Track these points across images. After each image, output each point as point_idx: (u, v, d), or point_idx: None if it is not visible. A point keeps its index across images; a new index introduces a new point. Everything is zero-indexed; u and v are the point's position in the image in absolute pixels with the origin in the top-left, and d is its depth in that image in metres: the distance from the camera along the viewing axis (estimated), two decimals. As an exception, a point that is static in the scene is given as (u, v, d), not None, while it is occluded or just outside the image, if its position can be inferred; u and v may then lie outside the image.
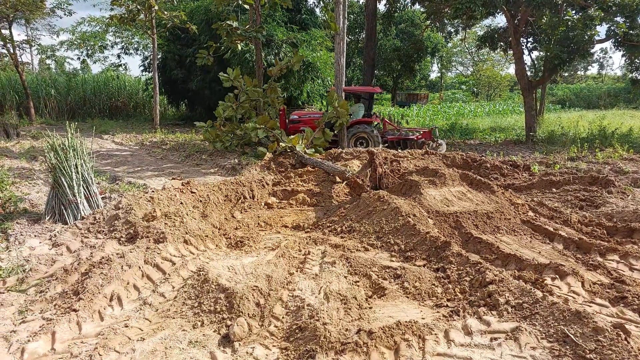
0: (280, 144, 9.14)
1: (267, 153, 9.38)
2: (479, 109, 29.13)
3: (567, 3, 13.18)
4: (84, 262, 3.83)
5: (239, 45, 13.90)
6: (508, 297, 3.11)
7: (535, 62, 20.14)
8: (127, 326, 2.97)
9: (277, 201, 7.08)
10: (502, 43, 16.93)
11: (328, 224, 5.61)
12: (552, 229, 4.86)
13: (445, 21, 22.98)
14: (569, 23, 12.83)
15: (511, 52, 15.78)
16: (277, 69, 12.11)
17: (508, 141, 14.69)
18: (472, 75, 52.90)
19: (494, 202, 5.56)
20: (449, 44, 48.34)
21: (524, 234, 4.85)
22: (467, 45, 47.44)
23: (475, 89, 49.66)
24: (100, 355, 2.60)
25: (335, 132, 11.53)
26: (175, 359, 2.61)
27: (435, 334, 2.75)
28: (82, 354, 2.64)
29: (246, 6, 13.51)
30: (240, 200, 6.72)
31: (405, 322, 2.78)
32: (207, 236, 4.95)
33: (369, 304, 3.31)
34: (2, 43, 18.81)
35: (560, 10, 13.51)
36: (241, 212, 6.42)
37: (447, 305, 3.24)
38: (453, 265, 3.78)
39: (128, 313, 3.21)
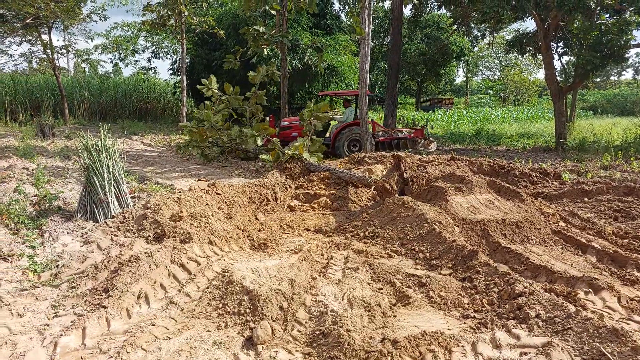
0: (286, 151, 8.93)
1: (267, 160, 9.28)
2: (506, 114, 28.55)
3: (600, 7, 12.79)
4: (114, 260, 3.92)
5: (265, 50, 14.08)
6: (539, 310, 3.02)
7: (566, 68, 19.63)
8: (153, 325, 3.02)
9: (300, 204, 7.10)
10: (531, 48, 16.55)
11: (351, 228, 5.58)
12: (584, 241, 4.70)
13: (472, 25, 22.64)
14: (603, 27, 12.45)
15: (540, 57, 15.41)
16: (259, 76, 11.69)
17: (537, 148, 14.33)
18: (499, 80, 51.96)
19: (523, 211, 5.42)
20: (476, 48, 47.68)
21: (555, 245, 4.70)
22: (494, 50, 46.62)
23: (502, 94, 48.73)
24: (127, 352, 2.65)
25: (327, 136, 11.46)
26: (200, 359, 2.64)
27: (462, 346, 2.69)
28: (111, 351, 2.70)
29: (273, 12, 13.68)
30: (263, 203, 6.77)
31: (431, 332, 2.73)
32: (231, 237, 5.00)
33: (393, 312, 3.26)
34: (42, 48, 19.57)
35: (593, 15, 13.13)
36: (264, 215, 6.47)
37: (474, 317, 3.17)
38: (480, 275, 3.69)
39: (154, 312, 3.27)
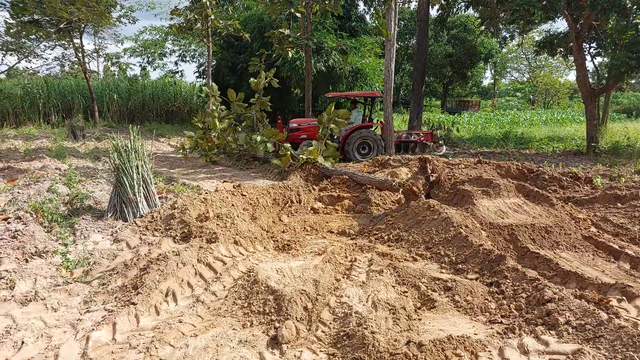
0: (301, 156, 8.79)
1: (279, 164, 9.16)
2: (535, 117, 27.83)
3: (637, 6, 12.35)
4: (143, 258, 4.03)
5: (289, 53, 14.19)
6: (569, 316, 2.94)
7: (599, 69, 19.01)
8: (181, 322, 3.09)
9: (323, 206, 7.12)
10: (562, 49, 16.12)
11: (375, 231, 5.56)
12: (617, 247, 4.54)
13: (500, 26, 22.23)
14: (639, 27, 12.00)
15: (572, 58, 14.98)
16: (261, 82, 11.50)
17: (567, 152, 13.92)
18: (528, 82, 50.75)
19: (552, 216, 5.28)
20: (504, 50, 46.75)
21: (586, 251, 4.56)
22: (523, 51, 45.60)
23: (531, 96, 47.58)
24: (156, 348, 2.71)
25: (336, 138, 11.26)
26: (226, 357, 2.67)
27: (489, 351, 2.64)
28: (140, 346, 2.77)
29: (298, 14, 13.78)
30: (287, 205, 6.81)
31: (457, 336, 2.69)
32: (256, 238, 5.06)
33: (418, 316, 3.23)
34: (74, 52, 20.31)
35: (629, 14, 12.68)
36: (288, 216, 6.51)
37: (501, 322, 3.11)
38: (508, 281, 3.62)
39: (182, 309, 3.33)
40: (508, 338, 2.85)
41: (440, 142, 12.66)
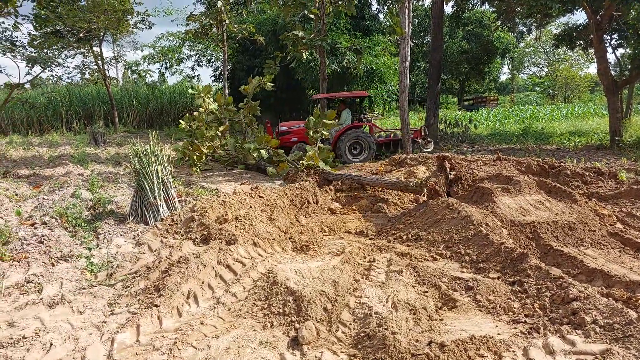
0: (302, 162, 8.56)
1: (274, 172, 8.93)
2: (556, 111, 27.23)
3: (660, -6, 11.96)
4: (164, 261, 4.09)
5: (304, 54, 14.21)
6: (595, 315, 2.86)
7: (621, 61, 18.50)
8: (202, 323, 3.13)
9: (340, 207, 7.11)
10: (581, 41, 15.74)
11: (393, 231, 5.52)
12: (645, 243, 4.41)
13: (517, 20, 21.82)
14: (663, 16, 11.64)
15: (592, 50, 14.62)
16: (252, 86, 11.10)
17: (589, 146, 13.58)
18: (547, 76, 49.74)
19: (576, 212, 5.16)
20: (521, 44, 45.90)
21: (612, 248, 4.44)
22: (541, 45, 44.73)
23: (550, 91, 46.57)
24: (179, 349, 2.75)
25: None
26: (248, 358, 2.69)
27: (513, 351, 2.60)
28: (163, 347, 2.81)
29: (312, 16, 13.79)
30: (304, 205, 6.83)
31: (480, 336, 2.65)
32: (274, 239, 5.08)
33: (439, 316, 3.20)
34: (94, 60, 20.79)
35: (652, 3, 12.30)
36: (305, 217, 6.52)
37: (525, 322, 3.05)
38: (531, 279, 3.55)
39: (203, 311, 3.37)
40: (532, 338, 2.80)
41: (428, 139, 12.65)
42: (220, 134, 11.35)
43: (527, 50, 49.72)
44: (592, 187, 6.97)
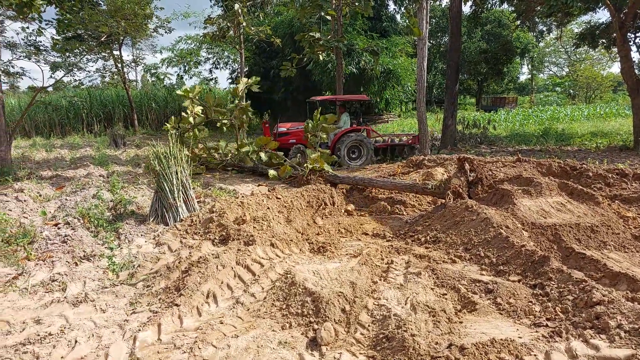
0: (306, 164, 8.34)
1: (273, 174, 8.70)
2: (577, 112, 26.67)
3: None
4: (184, 261, 4.15)
5: (320, 56, 14.25)
6: (620, 320, 2.80)
7: (646, 59, 18.02)
8: (222, 323, 3.16)
9: (357, 208, 7.10)
10: (604, 40, 15.41)
11: (411, 233, 5.49)
12: (672, 247, 4.29)
13: (537, 19, 21.47)
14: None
15: (615, 49, 14.28)
16: (241, 87, 10.81)
17: (612, 147, 13.26)
18: (567, 76, 48.75)
19: (598, 215, 5.05)
20: (541, 44, 45.13)
21: (637, 251, 4.33)
22: (562, 44, 43.89)
23: (571, 91, 45.62)
24: (199, 348, 2.79)
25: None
26: (267, 358, 2.71)
27: (535, 355, 2.56)
28: (184, 346, 2.85)
29: (328, 17, 13.82)
30: (321, 207, 6.83)
31: (501, 339, 2.62)
32: (291, 240, 5.10)
33: (458, 318, 3.17)
34: (114, 63, 21.24)
35: (678, 0, 11.95)
36: (322, 218, 6.53)
37: (546, 325, 3.00)
38: (553, 282, 3.49)
39: (222, 310, 3.41)
40: (554, 342, 2.75)
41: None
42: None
43: (547, 49, 48.88)
44: (615, 189, 6.80)
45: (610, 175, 7.12)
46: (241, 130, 11.11)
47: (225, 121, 10.58)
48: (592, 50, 37.96)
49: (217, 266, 3.89)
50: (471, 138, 16.04)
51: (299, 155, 10.47)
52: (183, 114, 10.40)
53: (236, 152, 10.43)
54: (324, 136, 9.71)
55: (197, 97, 10.69)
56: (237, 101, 10.83)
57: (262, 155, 9.69)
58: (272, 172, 9.00)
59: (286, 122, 12.78)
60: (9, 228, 5.19)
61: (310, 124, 9.61)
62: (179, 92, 10.81)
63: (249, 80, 11.08)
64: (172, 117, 10.42)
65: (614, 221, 4.90)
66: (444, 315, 3.10)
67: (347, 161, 11.38)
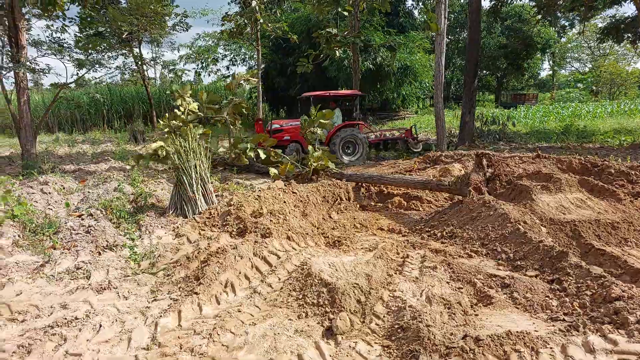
0: (310, 163, 8.15)
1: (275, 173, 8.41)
2: (599, 109, 26.01)
3: None
4: (203, 252, 4.25)
5: (337, 52, 14.25)
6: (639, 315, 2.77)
7: (673, 54, 17.50)
8: (240, 311, 3.23)
9: (373, 203, 7.11)
10: (629, 35, 15.01)
11: (427, 228, 5.49)
12: (696, 244, 4.20)
13: (559, 14, 21.01)
14: None
15: (641, 43, 13.91)
16: (235, 82, 10.38)
17: (636, 145, 12.93)
18: (590, 72, 47.56)
19: (620, 211, 4.97)
20: (563, 39, 44.12)
21: (659, 248, 4.25)
22: (585, 39, 42.83)
23: (594, 87, 44.51)
24: (218, 334, 2.87)
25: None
26: (284, 345, 2.77)
27: (551, 348, 2.55)
28: (204, 332, 2.93)
29: (345, 13, 13.81)
30: (336, 202, 6.87)
31: (517, 332, 2.62)
32: (307, 234, 5.16)
33: (474, 311, 3.18)
34: (133, 61, 21.61)
35: None
36: (337, 213, 6.56)
37: (563, 319, 2.98)
38: (571, 278, 3.46)
39: (240, 299, 3.49)
40: (571, 335, 2.73)
41: (417, 139, 12.76)
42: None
43: (569, 45, 47.76)
44: (638, 187, 6.66)
45: (633, 172, 6.97)
46: (234, 127, 10.93)
47: (218, 118, 10.26)
48: (616, 46, 36.96)
49: (235, 257, 3.96)
50: (490, 135, 15.83)
51: (294, 153, 10.42)
52: (175, 110, 10.36)
53: (229, 150, 10.01)
54: (320, 132, 9.53)
55: (188, 95, 10.59)
56: (229, 97, 10.43)
57: (261, 152, 9.38)
58: (273, 170, 8.80)
59: (280, 119, 12.65)
60: (36, 219, 5.37)
61: (306, 120, 9.41)
62: (174, 87, 10.76)
63: (246, 74, 10.75)
64: (166, 114, 10.35)
65: (635, 218, 4.81)
66: (460, 307, 3.11)
67: (343, 157, 11.23)
